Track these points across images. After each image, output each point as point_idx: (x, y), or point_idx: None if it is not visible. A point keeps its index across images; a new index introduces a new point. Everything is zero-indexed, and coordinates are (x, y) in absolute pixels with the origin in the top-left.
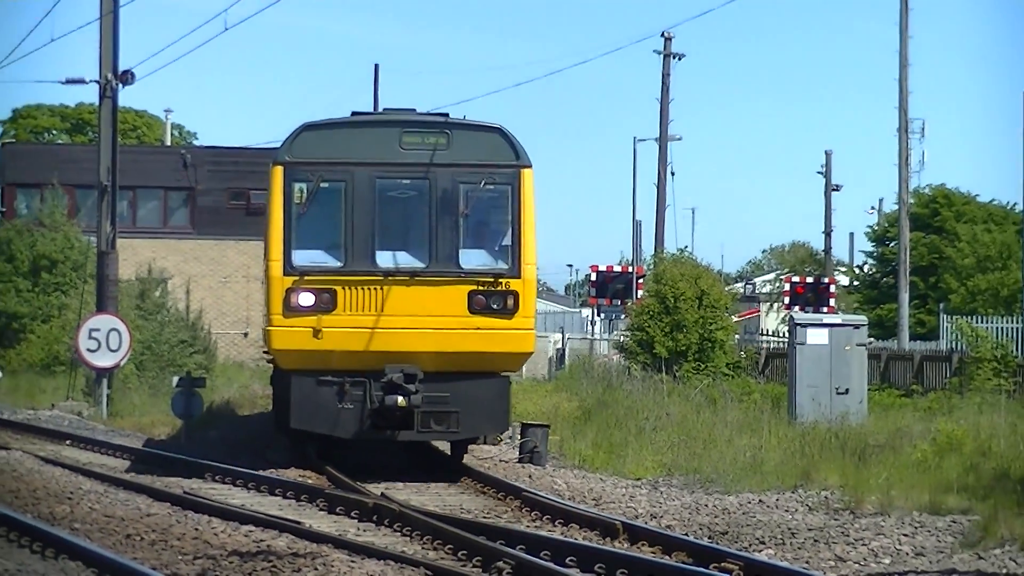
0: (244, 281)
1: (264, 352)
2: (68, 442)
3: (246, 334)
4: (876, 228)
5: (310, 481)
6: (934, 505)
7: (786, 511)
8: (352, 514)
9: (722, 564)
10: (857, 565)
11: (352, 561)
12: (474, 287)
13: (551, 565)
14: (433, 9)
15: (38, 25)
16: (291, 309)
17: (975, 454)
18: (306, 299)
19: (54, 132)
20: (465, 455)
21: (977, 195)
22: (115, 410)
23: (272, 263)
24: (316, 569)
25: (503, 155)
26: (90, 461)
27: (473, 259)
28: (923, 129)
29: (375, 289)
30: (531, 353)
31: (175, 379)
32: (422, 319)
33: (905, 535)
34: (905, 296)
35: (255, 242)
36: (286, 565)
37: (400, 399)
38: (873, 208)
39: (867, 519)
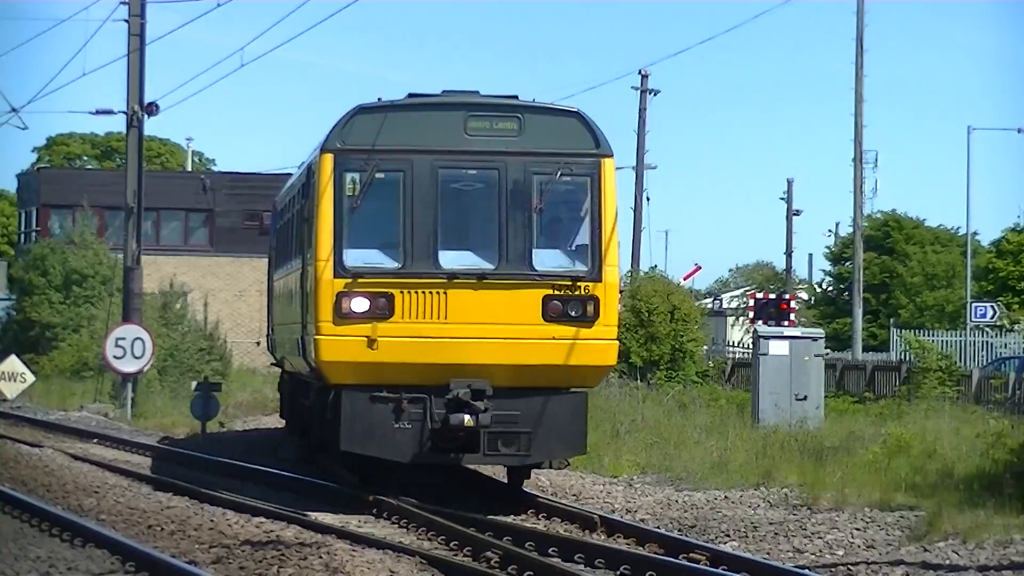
0: (257, 295)
1: (272, 364)
2: (96, 441)
3: (259, 343)
4: (833, 249)
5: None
6: (884, 502)
7: (749, 507)
8: (354, 508)
9: (690, 555)
10: (813, 556)
11: (354, 550)
12: (549, 291)
13: (535, 555)
14: (429, 49)
15: (71, 60)
16: (343, 316)
17: (921, 456)
18: (360, 304)
19: (85, 158)
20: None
21: (925, 220)
22: (139, 412)
23: (320, 264)
24: (320, 557)
25: (581, 142)
26: (115, 458)
27: (548, 260)
28: (876, 159)
29: (438, 293)
30: (612, 367)
31: (194, 384)
32: (491, 327)
33: (857, 529)
34: (859, 311)
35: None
36: (293, 553)
37: (467, 418)
38: (830, 231)
39: (823, 514)
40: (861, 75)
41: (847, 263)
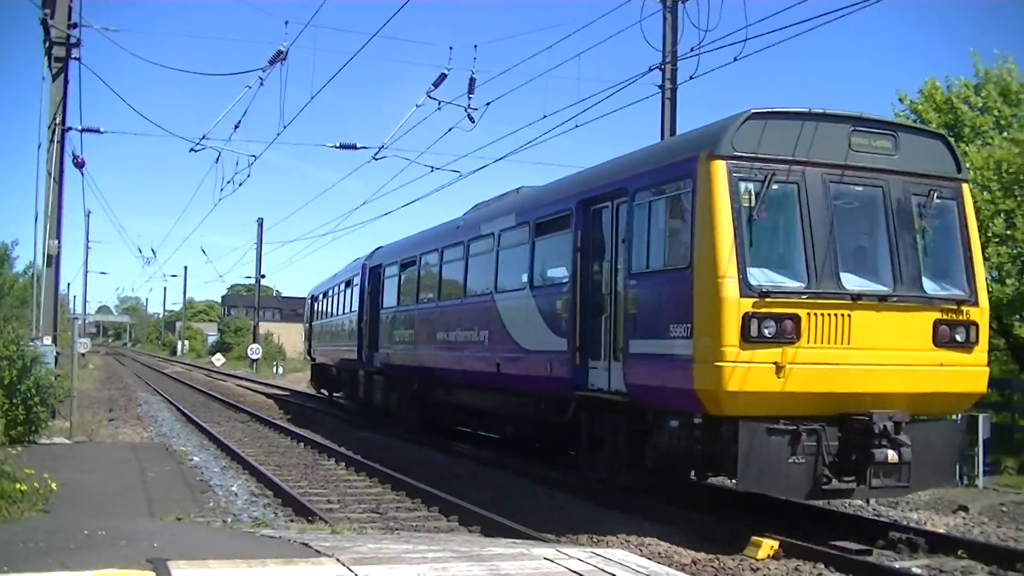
0: (298, 336)
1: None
2: (248, 381)
3: (300, 352)
4: None
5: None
6: None
7: None
8: (390, 429)
9: None
10: None
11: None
12: (939, 315)
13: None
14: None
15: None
16: (750, 340)
17: None
18: (769, 327)
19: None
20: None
21: None
22: (257, 373)
23: (724, 281)
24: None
25: (947, 166)
26: (256, 388)
27: (932, 283)
28: None
29: (841, 316)
30: (983, 394)
31: (276, 365)
32: (888, 353)
33: None
34: None
35: None
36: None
37: (891, 454)
38: None
39: None
40: None
41: None
